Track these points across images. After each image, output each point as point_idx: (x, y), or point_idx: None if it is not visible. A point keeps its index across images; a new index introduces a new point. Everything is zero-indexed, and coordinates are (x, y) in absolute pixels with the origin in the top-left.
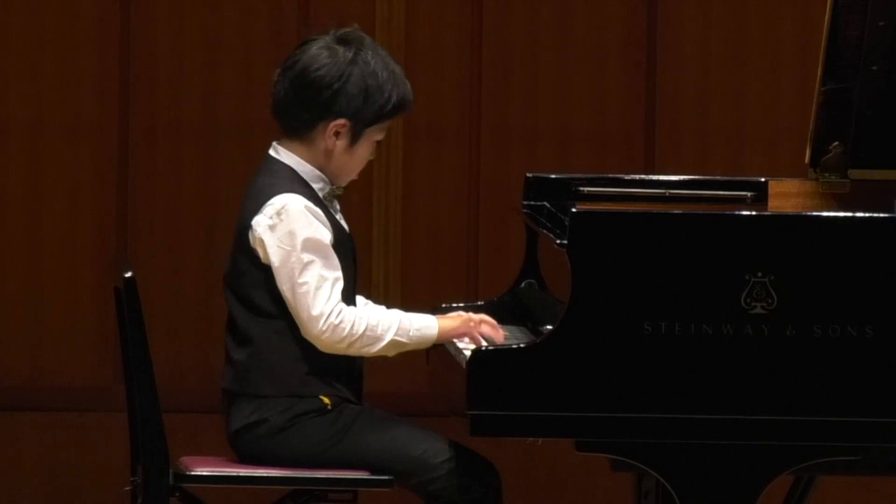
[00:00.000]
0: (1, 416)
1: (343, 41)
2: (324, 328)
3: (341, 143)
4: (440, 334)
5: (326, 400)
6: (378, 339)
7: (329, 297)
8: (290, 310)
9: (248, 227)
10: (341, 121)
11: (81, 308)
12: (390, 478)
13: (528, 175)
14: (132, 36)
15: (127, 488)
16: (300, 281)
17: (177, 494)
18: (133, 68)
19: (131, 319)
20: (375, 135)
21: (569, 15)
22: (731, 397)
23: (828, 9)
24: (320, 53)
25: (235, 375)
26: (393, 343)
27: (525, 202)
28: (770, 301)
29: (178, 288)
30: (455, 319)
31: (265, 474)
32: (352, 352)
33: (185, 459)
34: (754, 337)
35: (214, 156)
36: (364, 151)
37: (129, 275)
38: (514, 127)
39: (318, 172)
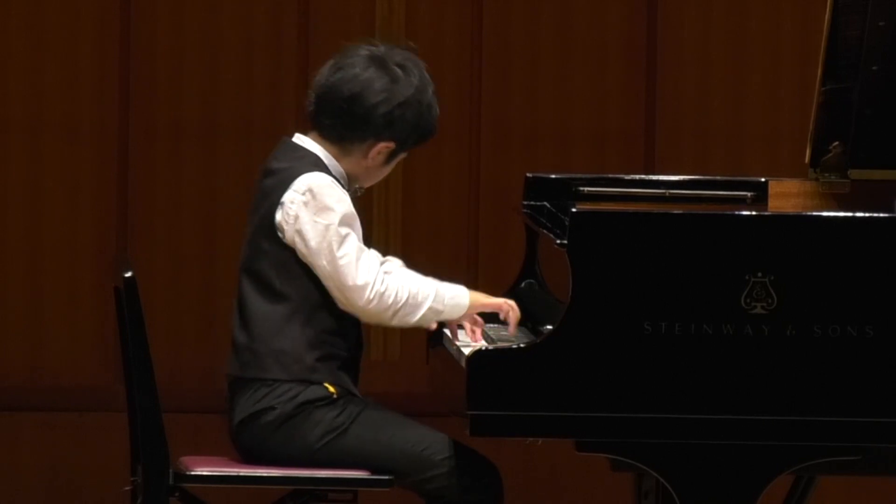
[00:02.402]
0: (1, 416)
1: (400, 64)
2: (371, 296)
3: (379, 161)
4: (472, 303)
5: (332, 388)
6: (419, 306)
7: (370, 266)
8: (329, 282)
9: (277, 203)
10: (391, 144)
11: (81, 308)
12: (390, 478)
13: (528, 175)
14: (132, 36)
15: (127, 488)
16: (340, 253)
17: (177, 494)
18: (133, 68)
19: (131, 319)
20: (404, 155)
21: (569, 15)
22: (731, 397)
23: (828, 9)
24: (380, 77)
25: (242, 361)
26: (431, 310)
27: (525, 202)
28: (770, 301)
29: (178, 288)
30: (483, 295)
31: (265, 474)
32: (395, 321)
33: (185, 459)
34: (754, 337)
35: (214, 156)
36: (390, 168)
37: (129, 275)
38: (514, 127)
39: (340, 170)
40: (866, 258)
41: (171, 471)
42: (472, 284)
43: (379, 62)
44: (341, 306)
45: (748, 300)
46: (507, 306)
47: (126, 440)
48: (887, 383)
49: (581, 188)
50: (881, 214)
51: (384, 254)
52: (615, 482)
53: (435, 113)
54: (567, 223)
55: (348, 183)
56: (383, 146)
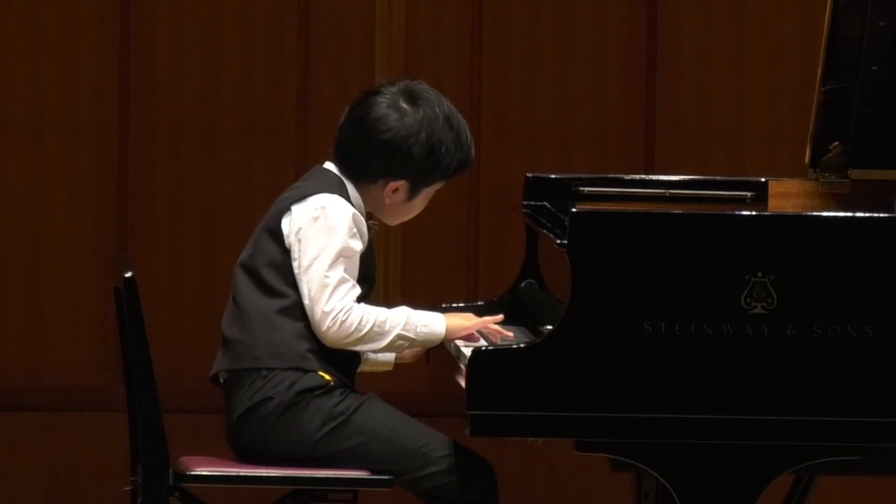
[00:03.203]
0: (1, 416)
1: (411, 99)
2: (331, 324)
3: (398, 198)
4: (448, 332)
5: (327, 376)
6: (384, 334)
7: (343, 296)
8: (305, 300)
9: (286, 209)
10: (402, 182)
11: (81, 308)
12: (390, 478)
13: (528, 175)
14: (132, 36)
15: (127, 488)
16: (325, 274)
17: (177, 494)
18: (133, 68)
19: (131, 319)
20: (433, 189)
21: (569, 15)
22: (731, 397)
23: (828, 9)
24: (389, 114)
25: (235, 353)
26: (400, 338)
27: (525, 202)
28: (770, 301)
29: (178, 288)
30: (465, 318)
31: (265, 474)
32: (357, 347)
33: (185, 459)
34: (754, 337)
35: (214, 156)
36: (420, 203)
37: (129, 275)
38: (514, 127)
39: (361, 203)
40: (866, 258)
41: (171, 471)
42: (473, 284)
43: (389, 101)
44: (313, 327)
45: (748, 300)
46: (486, 329)
47: (126, 440)
48: (887, 383)
49: (581, 188)
50: (881, 214)
51: (384, 254)
52: (615, 482)
53: (451, 145)
54: (567, 223)
55: (366, 216)
56: (396, 184)
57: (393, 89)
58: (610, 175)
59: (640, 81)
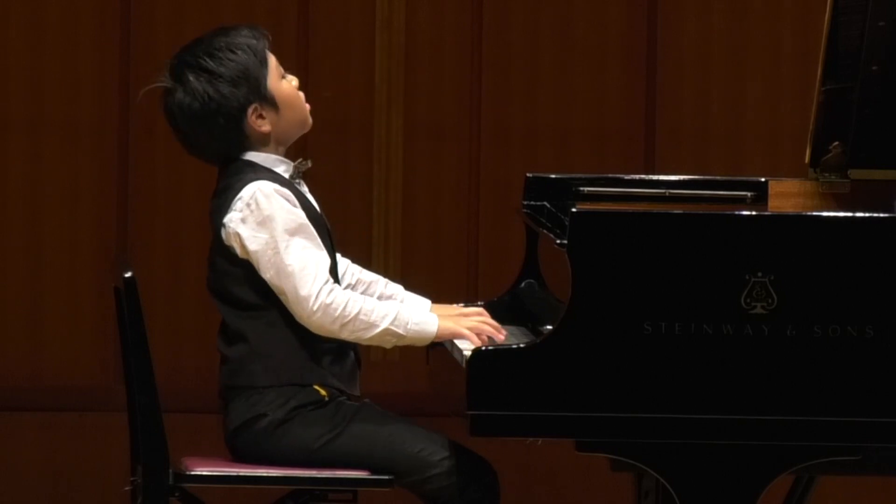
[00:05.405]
0: (1, 416)
1: (175, 77)
2: (315, 308)
3: (270, 117)
4: (440, 333)
5: (323, 392)
6: (372, 325)
7: (315, 276)
8: (279, 296)
9: (221, 226)
10: (251, 108)
11: (81, 308)
12: (390, 477)
13: (528, 175)
14: (132, 36)
15: (127, 488)
16: (283, 264)
17: (177, 494)
18: (133, 68)
19: (131, 319)
20: (276, 76)
21: (569, 15)
22: (731, 397)
23: (828, 9)
24: (176, 98)
25: (231, 371)
26: (388, 332)
27: (525, 202)
28: (770, 301)
29: (178, 288)
30: (455, 322)
31: (265, 474)
32: (344, 335)
33: (185, 459)
34: (754, 337)
35: None
36: (287, 93)
37: (129, 275)
38: (514, 127)
39: (274, 157)
40: (866, 258)
41: (170, 471)
42: (473, 284)
43: (170, 98)
44: (296, 318)
45: (748, 300)
46: (483, 332)
47: (126, 440)
48: (887, 383)
49: (581, 188)
50: (881, 214)
51: (384, 253)
52: (615, 482)
53: (238, 53)
54: (567, 223)
55: (290, 158)
56: (253, 113)
57: (164, 84)
58: (610, 175)
59: (640, 82)
